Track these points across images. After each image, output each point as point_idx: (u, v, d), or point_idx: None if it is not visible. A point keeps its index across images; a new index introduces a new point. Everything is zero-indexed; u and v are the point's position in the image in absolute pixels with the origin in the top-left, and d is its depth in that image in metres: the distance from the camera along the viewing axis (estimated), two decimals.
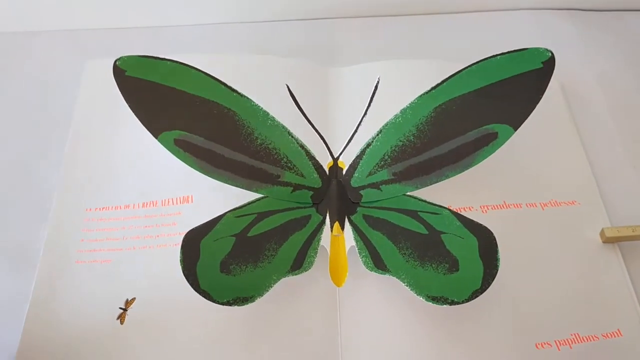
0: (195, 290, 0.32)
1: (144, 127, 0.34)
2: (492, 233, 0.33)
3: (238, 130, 0.35)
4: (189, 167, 0.35)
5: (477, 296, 0.32)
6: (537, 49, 0.34)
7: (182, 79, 0.35)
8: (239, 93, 0.35)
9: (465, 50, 0.48)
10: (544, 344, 0.34)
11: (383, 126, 0.36)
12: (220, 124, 0.35)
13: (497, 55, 0.34)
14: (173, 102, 0.35)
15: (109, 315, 0.35)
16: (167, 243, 0.37)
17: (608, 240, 0.38)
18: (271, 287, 0.33)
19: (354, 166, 0.37)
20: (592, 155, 0.43)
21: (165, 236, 0.38)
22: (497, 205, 0.40)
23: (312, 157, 0.37)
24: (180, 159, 0.35)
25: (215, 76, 0.35)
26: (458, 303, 0.32)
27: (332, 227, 0.36)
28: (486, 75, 0.35)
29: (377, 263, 0.34)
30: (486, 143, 0.35)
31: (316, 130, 0.37)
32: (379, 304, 0.35)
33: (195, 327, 0.34)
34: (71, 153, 0.42)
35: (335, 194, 0.37)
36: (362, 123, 0.36)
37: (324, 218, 0.36)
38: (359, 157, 0.37)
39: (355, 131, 0.36)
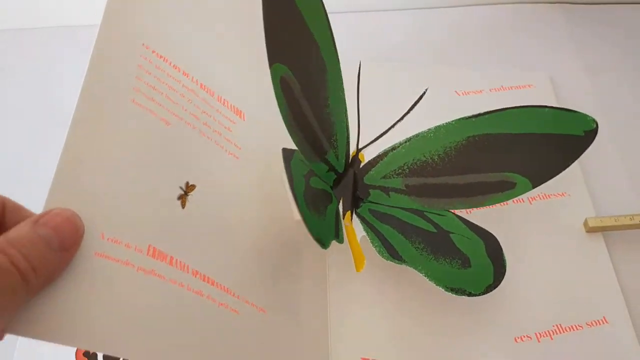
0: (299, 208, 0.29)
1: (266, 49, 0.30)
2: (495, 237, 0.35)
3: (321, 90, 0.34)
4: (248, 79, 0.33)
5: (490, 290, 0.33)
6: (585, 116, 0.35)
7: (311, 9, 0.32)
8: (336, 49, 0.34)
9: (457, 45, 0.51)
10: (523, 337, 0.35)
11: (413, 136, 0.36)
12: (315, 76, 0.34)
13: (545, 107, 0.35)
14: (297, 33, 0.32)
15: (169, 190, 0.27)
16: (224, 145, 0.32)
17: (591, 230, 0.39)
18: (330, 243, 0.32)
19: (372, 163, 0.37)
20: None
21: (221, 136, 0.32)
22: None
23: (348, 143, 0.36)
24: (277, 100, 0.31)
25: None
26: (475, 295, 0.32)
27: (344, 215, 0.36)
28: (526, 123, 0.35)
29: (392, 253, 0.34)
30: (501, 190, 0.35)
31: (358, 117, 0.36)
32: (367, 293, 0.37)
33: (249, 239, 0.31)
34: None
35: (351, 184, 0.36)
36: (396, 125, 0.36)
37: (339, 203, 0.36)
38: (379, 157, 0.37)
39: (388, 130, 0.36)
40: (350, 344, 0.35)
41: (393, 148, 0.36)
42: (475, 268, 0.33)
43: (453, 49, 0.50)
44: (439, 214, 0.35)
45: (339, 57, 0.34)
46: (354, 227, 0.36)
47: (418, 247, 0.34)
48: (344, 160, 0.36)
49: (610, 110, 0.46)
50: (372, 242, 0.35)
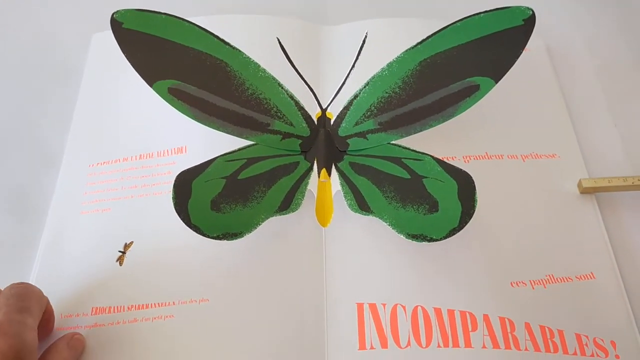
0: (187, 225, 0.34)
1: (140, 76, 0.36)
2: (470, 176, 0.35)
3: (230, 80, 0.37)
4: (183, 119, 0.36)
5: (454, 234, 0.33)
6: (518, 7, 0.35)
7: (176, 31, 0.36)
8: (231, 45, 0.37)
9: (453, 8, 0.47)
10: (519, 282, 0.36)
11: (370, 79, 0.38)
12: (212, 74, 0.37)
13: (480, 13, 0.36)
14: (167, 53, 0.36)
15: (110, 258, 0.37)
16: (162, 190, 0.39)
17: (585, 191, 0.40)
18: (259, 224, 0.35)
19: (341, 116, 0.38)
20: (574, 112, 0.45)
21: (160, 184, 0.39)
22: (479, 156, 0.41)
23: (301, 108, 0.38)
24: (174, 107, 0.36)
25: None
26: (436, 240, 0.34)
27: (319, 173, 0.37)
28: (469, 32, 0.36)
29: (362, 205, 0.36)
30: (468, 94, 0.36)
31: (305, 82, 0.38)
32: (362, 241, 0.37)
33: (188, 264, 0.36)
34: (79, 116, 0.44)
35: (323, 142, 0.38)
36: (349, 76, 0.37)
37: (312, 165, 0.38)
38: (346, 108, 0.38)
39: (343, 83, 0.38)
40: (345, 290, 0.35)
41: (355, 96, 0.38)
42: (442, 212, 0.34)
43: (448, 13, 0.46)
44: (416, 159, 0.37)
45: (239, 48, 0.37)
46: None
47: (388, 196, 0.36)
48: (304, 124, 0.39)
49: (606, 78, 0.47)
50: (345, 196, 0.37)
